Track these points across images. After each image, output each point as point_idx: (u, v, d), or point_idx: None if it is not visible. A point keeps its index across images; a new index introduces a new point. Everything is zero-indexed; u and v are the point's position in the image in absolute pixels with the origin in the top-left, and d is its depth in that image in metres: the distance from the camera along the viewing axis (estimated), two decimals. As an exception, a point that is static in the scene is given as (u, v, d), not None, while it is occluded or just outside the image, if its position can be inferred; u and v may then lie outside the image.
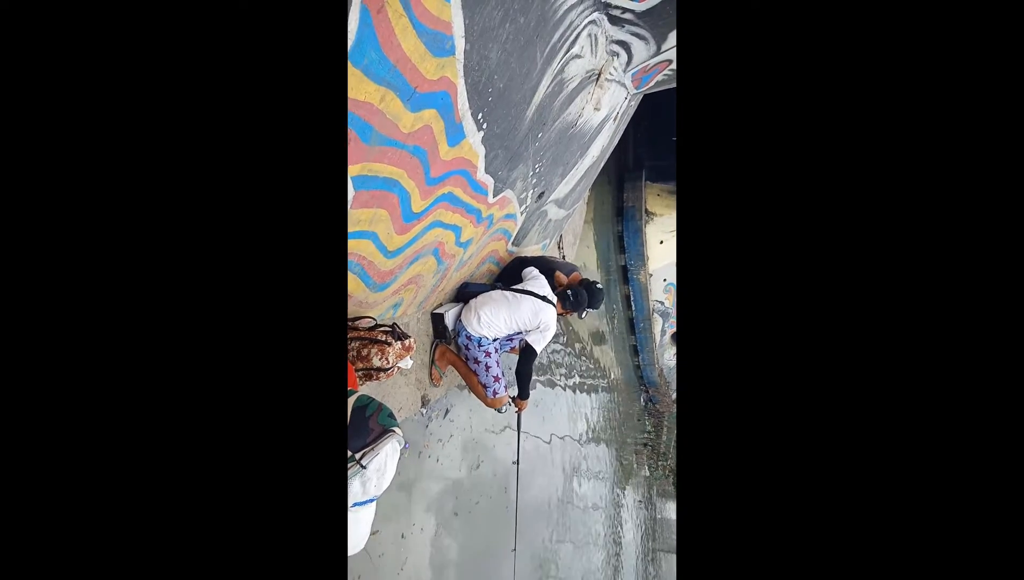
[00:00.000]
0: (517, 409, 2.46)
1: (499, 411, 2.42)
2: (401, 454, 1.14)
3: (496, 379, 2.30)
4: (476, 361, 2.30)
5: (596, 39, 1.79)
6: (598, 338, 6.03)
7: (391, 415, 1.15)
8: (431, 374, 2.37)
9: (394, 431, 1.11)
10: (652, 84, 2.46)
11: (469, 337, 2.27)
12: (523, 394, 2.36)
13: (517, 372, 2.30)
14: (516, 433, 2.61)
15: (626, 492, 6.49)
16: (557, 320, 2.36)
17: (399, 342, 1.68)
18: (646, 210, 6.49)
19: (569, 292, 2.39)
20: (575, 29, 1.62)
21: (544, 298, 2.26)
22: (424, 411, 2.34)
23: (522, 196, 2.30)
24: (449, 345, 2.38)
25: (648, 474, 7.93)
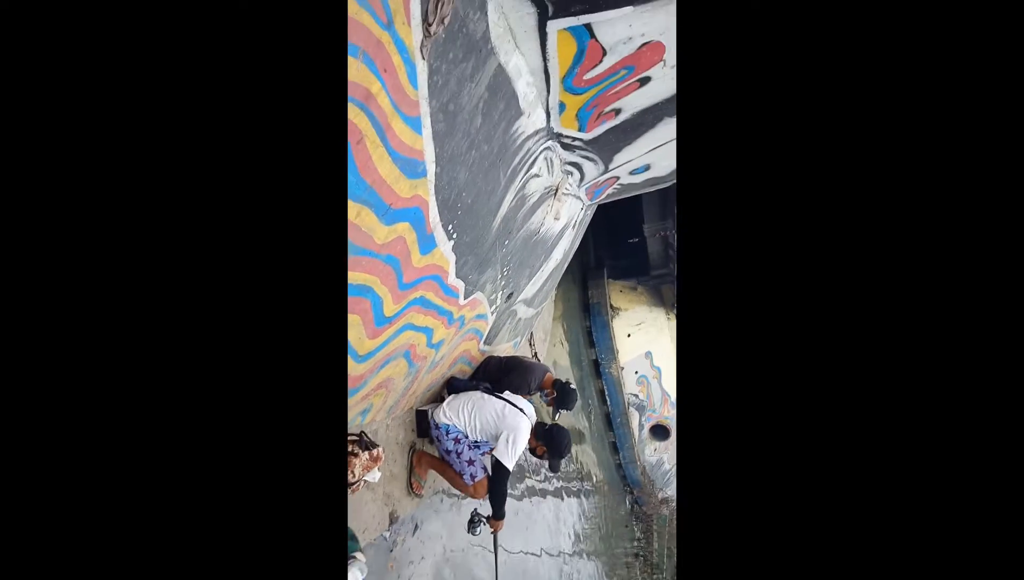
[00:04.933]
0: (492, 530, 2.25)
1: (472, 533, 2.21)
2: (366, 583, 1.03)
3: (470, 463, 2.16)
4: (448, 451, 2.19)
5: (552, 161, 2.04)
6: (577, 437, 5.82)
7: (353, 538, 1.05)
8: (411, 484, 2.23)
9: (355, 557, 1.01)
10: (604, 196, 2.75)
11: (438, 426, 2.20)
12: (497, 514, 2.17)
13: (489, 491, 2.15)
14: (493, 554, 2.37)
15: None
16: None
17: (366, 452, 1.59)
18: (611, 305, 6.77)
19: (547, 425, 2.33)
20: (533, 153, 1.86)
21: (515, 406, 2.19)
22: (390, 532, 2.12)
23: (492, 297, 2.40)
24: (432, 443, 2.27)
25: (644, 592, 7.14)
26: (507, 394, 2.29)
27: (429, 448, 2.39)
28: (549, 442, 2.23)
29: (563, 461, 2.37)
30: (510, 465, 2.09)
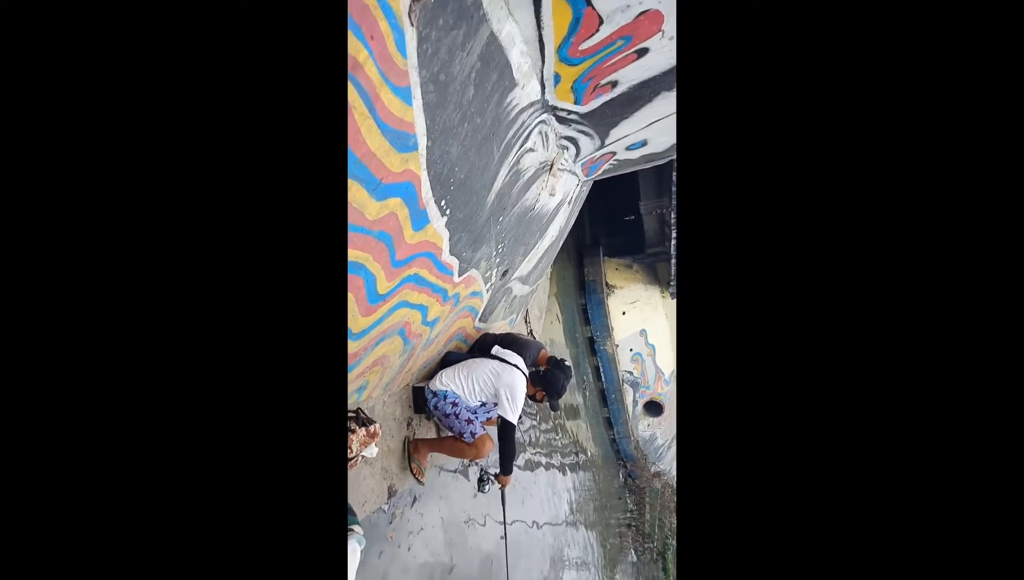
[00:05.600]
0: (501, 485, 2.33)
1: (481, 490, 2.28)
2: (362, 554, 1.05)
3: (469, 422, 2.19)
4: (446, 414, 2.21)
5: (547, 135, 2.00)
6: (572, 412, 5.92)
7: (351, 512, 1.07)
8: (412, 471, 2.28)
9: (353, 530, 1.03)
10: (600, 172, 2.72)
11: (434, 393, 2.23)
12: (505, 469, 2.25)
13: (500, 450, 2.21)
14: (501, 517, 2.44)
15: (614, 583, 6.00)
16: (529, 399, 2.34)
17: (363, 429, 1.61)
18: (606, 283, 6.78)
19: (540, 371, 2.39)
20: (527, 127, 1.82)
21: (508, 362, 2.23)
22: (388, 505, 2.17)
23: (487, 274, 2.39)
24: (429, 418, 2.31)
25: (635, 559, 7.40)
26: (498, 350, 2.31)
27: (422, 433, 2.42)
28: (546, 385, 2.31)
29: (560, 402, 2.45)
30: (514, 419, 2.14)
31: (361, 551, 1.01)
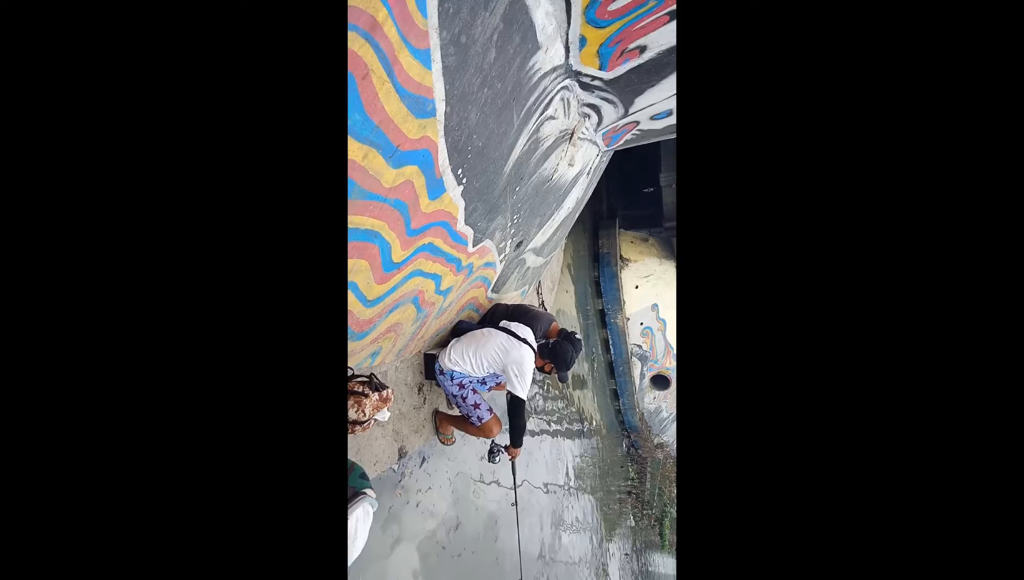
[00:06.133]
0: (510, 457, 2.40)
1: (492, 461, 2.36)
2: (375, 515, 1.09)
3: (476, 406, 2.27)
4: (453, 395, 2.29)
5: (568, 103, 1.92)
6: (579, 383, 6.00)
7: (363, 475, 1.10)
8: (441, 442, 2.41)
9: (365, 493, 1.05)
10: (621, 142, 2.62)
11: (442, 372, 2.28)
12: (515, 443, 2.31)
13: (510, 424, 2.26)
14: (510, 483, 2.54)
15: (612, 545, 6.24)
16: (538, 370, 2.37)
17: (376, 393, 1.64)
18: (621, 256, 6.70)
19: (549, 343, 2.40)
20: (549, 93, 1.74)
21: (516, 336, 2.25)
22: (399, 465, 2.26)
23: (501, 245, 2.36)
24: (440, 385, 2.39)
25: (634, 524, 7.67)
26: (507, 323, 2.33)
27: (432, 399, 2.49)
28: (555, 358, 2.33)
29: (569, 374, 2.47)
30: (523, 395, 2.17)
31: (374, 513, 1.05)
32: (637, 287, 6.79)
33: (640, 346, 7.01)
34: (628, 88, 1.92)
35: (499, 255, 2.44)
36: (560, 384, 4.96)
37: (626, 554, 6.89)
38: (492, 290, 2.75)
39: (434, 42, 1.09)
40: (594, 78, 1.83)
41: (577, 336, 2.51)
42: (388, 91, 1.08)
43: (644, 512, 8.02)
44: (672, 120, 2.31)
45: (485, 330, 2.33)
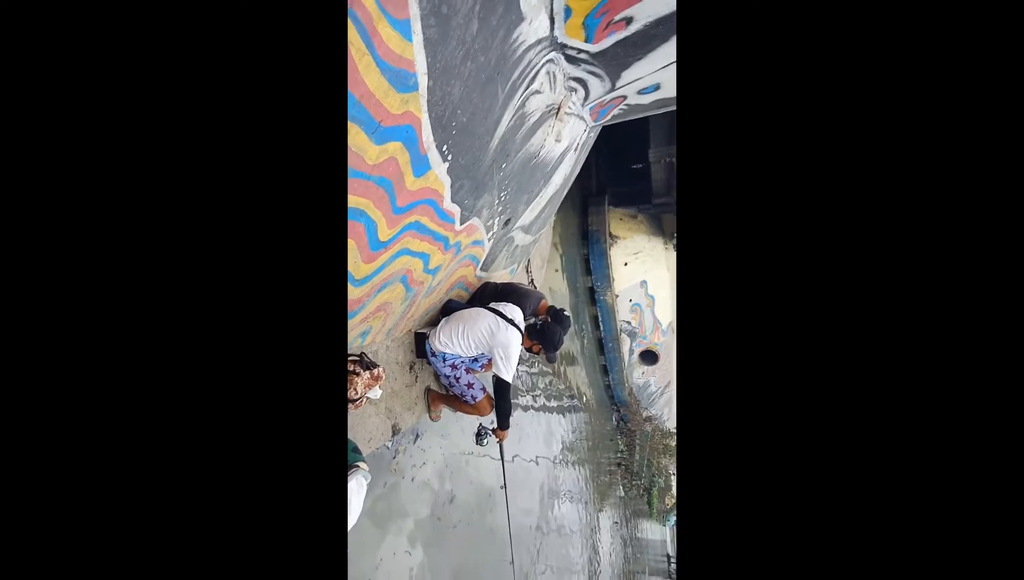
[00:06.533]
0: (498, 439, 2.43)
1: (479, 443, 2.40)
2: (368, 489, 1.13)
3: (469, 386, 2.31)
4: (446, 376, 2.32)
5: (554, 76, 1.89)
6: (569, 359, 6.08)
7: (355, 449, 1.13)
8: (431, 418, 2.44)
9: (358, 466, 1.09)
10: (609, 117, 2.60)
11: (433, 353, 2.30)
12: (502, 425, 2.33)
13: (495, 407, 2.29)
14: (500, 461, 2.59)
15: (602, 514, 6.45)
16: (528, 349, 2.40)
17: (367, 372, 1.66)
18: (610, 233, 6.72)
19: (537, 322, 2.42)
20: (534, 67, 1.72)
21: (504, 317, 2.26)
22: (392, 442, 2.30)
23: (488, 223, 2.36)
24: (431, 364, 2.41)
25: (623, 494, 7.92)
26: (494, 305, 2.34)
27: (424, 378, 2.52)
28: (542, 339, 2.35)
29: (558, 354, 2.50)
30: (508, 378, 2.19)
31: (367, 485, 1.09)
32: (626, 264, 6.84)
33: (629, 323, 7.10)
34: (615, 61, 1.89)
35: (487, 233, 2.43)
36: (549, 364, 5.02)
37: (615, 522, 7.15)
38: (481, 269, 2.75)
39: (414, 12, 1.07)
40: (580, 51, 1.80)
41: (566, 313, 2.53)
42: (368, 64, 1.05)
43: (633, 483, 8.28)
44: (659, 95, 2.29)
45: (473, 310, 2.34)
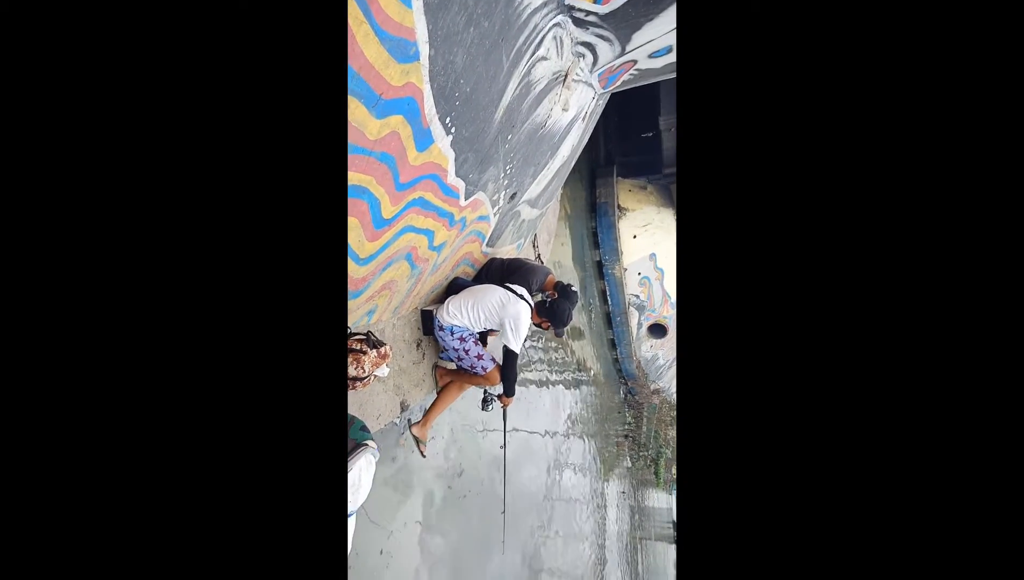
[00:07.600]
0: (503, 405, 2.49)
1: (485, 409, 2.44)
2: (378, 465, 1.14)
3: (479, 357, 2.33)
4: (454, 350, 2.33)
5: (561, 41, 1.80)
6: (577, 333, 6.10)
7: (363, 428, 1.14)
8: (420, 452, 2.44)
9: (367, 444, 1.10)
10: (619, 83, 2.49)
11: (442, 327, 2.31)
12: (507, 392, 2.39)
13: (502, 374, 2.32)
14: (502, 430, 2.64)
15: (609, 484, 6.60)
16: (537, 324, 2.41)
17: (374, 350, 1.66)
18: (618, 206, 6.59)
19: (546, 300, 2.42)
20: (540, 32, 1.63)
21: (514, 292, 2.28)
22: (400, 418, 2.33)
23: (494, 198, 2.31)
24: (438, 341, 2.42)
25: (630, 465, 8.08)
26: (507, 280, 2.37)
27: (431, 355, 2.54)
28: (551, 316, 2.40)
29: (566, 330, 2.55)
30: (516, 348, 2.25)
31: (376, 463, 1.10)
32: (635, 237, 6.73)
33: (638, 296, 7.06)
34: (625, 23, 1.79)
35: (493, 208, 2.39)
36: (557, 338, 5.04)
37: (623, 492, 7.32)
38: (487, 244, 2.72)
39: (412, -26, 1.00)
40: (588, 13, 1.70)
41: (574, 288, 2.51)
42: (367, 33, 1.00)
43: (640, 454, 8.42)
44: (672, 57, 2.18)
45: (483, 285, 2.35)
